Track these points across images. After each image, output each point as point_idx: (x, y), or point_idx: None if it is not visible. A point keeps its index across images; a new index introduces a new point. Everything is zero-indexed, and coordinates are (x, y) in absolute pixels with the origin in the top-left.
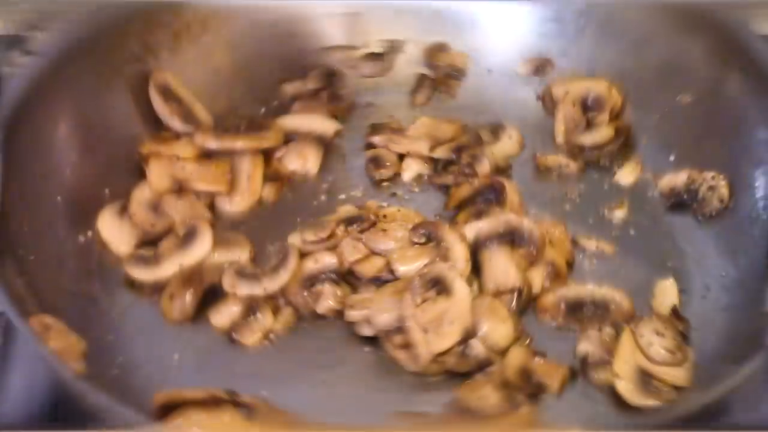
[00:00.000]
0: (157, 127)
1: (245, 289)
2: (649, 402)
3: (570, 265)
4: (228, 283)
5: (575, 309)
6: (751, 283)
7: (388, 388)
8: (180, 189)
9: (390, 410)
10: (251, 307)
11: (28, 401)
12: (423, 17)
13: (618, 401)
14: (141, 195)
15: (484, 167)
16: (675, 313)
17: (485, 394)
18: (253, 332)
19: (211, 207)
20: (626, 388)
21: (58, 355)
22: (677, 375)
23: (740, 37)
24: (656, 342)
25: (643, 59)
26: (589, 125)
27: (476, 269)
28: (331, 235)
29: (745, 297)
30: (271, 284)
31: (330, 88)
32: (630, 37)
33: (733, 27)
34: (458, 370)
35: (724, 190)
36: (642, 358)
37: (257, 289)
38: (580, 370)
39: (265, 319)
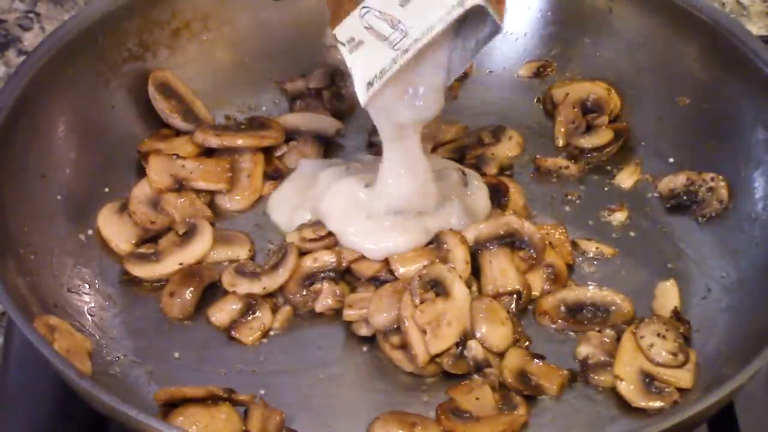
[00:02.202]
0: (156, 125)
1: (245, 287)
2: (652, 403)
3: (570, 267)
4: (227, 281)
5: (575, 311)
6: (752, 283)
7: (385, 388)
8: (180, 187)
9: (386, 410)
10: (250, 305)
11: (29, 400)
12: None
13: (619, 403)
14: (141, 193)
15: (490, 169)
16: (676, 314)
17: (481, 395)
18: (252, 331)
19: (211, 205)
20: (628, 389)
21: (63, 356)
22: (679, 376)
23: (737, 38)
24: (657, 344)
25: (642, 62)
26: (589, 128)
27: (476, 271)
28: (331, 234)
29: (746, 297)
30: (271, 282)
31: (332, 87)
32: (628, 40)
33: (730, 28)
34: (456, 371)
35: (723, 191)
36: (643, 360)
37: (256, 288)
38: (580, 373)
39: (263, 318)
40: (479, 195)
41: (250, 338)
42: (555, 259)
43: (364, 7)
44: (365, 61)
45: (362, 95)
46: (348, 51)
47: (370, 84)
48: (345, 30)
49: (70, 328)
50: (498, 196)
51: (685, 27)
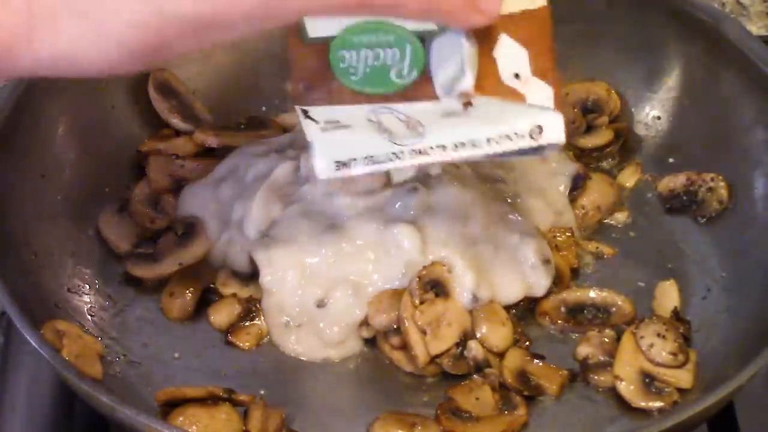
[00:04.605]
0: (156, 125)
1: (235, 290)
2: (652, 403)
3: (574, 270)
4: (220, 279)
5: (575, 312)
6: (752, 283)
7: (385, 388)
8: (180, 187)
9: (386, 410)
10: (249, 310)
11: (29, 400)
12: None
13: (619, 403)
14: (141, 193)
15: None
16: (676, 314)
17: (481, 395)
18: (250, 336)
19: None
20: (628, 389)
21: (73, 363)
22: (679, 377)
23: (737, 38)
24: (657, 344)
25: (642, 62)
26: (589, 128)
27: None
28: None
29: (746, 298)
30: (257, 294)
31: None
32: (628, 40)
33: (730, 28)
34: (456, 371)
35: (723, 191)
36: (643, 360)
37: (244, 293)
38: (580, 373)
39: (262, 325)
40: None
41: (247, 344)
42: (559, 261)
43: (383, 108)
44: (343, 141)
45: (325, 169)
46: (320, 129)
47: (342, 164)
48: (329, 113)
49: (79, 332)
50: (574, 184)
51: (685, 27)
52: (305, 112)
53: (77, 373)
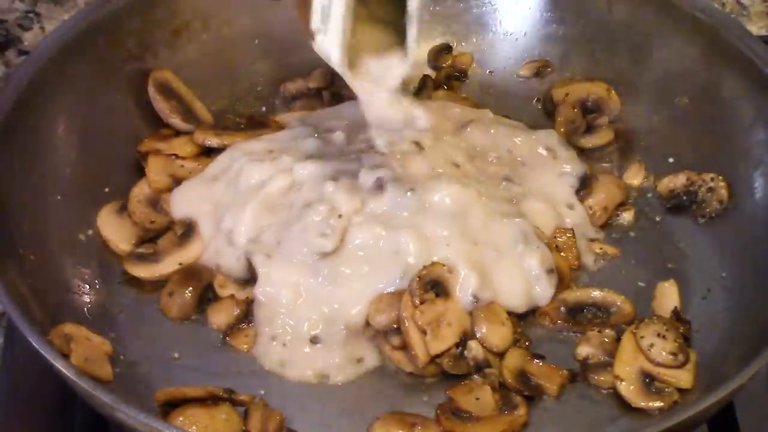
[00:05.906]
0: (156, 125)
1: (233, 291)
2: (652, 404)
3: (573, 270)
4: (219, 281)
5: (575, 312)
6: (752, 283)
7: (385, 388)
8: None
9: (386, 410)
10: (248, 312)
11: (29, 400)
12: (428, 18)
13: (619, 403)
14: (140, 193)
15: None
16: (676, 314)
17: (481, 395)
18: (248, 338)
19: None
20: (628, 389)
21: (82, 368)
22: (679, 376)
23: (737, 38)
24: (658, 344)
25: (641, 62)
26: (589, 128)
27: None
28: None
29: (746, 297)
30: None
31: (332, 87)
32: (628, 41)
33: (730, 28)
34: (456, 371)
35: (723, 191)
36: (644, 360)
37: (242, 295)
38: (580, 373)
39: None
40: (560, 183)
41: (245, 346)
42: (559, 262)
43: None
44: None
45: (337, 52)
46: (323, 34)
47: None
48: (315, 14)
49: (87, 333)
50: (581, 184)
51: (685, 27)
52: (313, 37)
53: (82, 376)
